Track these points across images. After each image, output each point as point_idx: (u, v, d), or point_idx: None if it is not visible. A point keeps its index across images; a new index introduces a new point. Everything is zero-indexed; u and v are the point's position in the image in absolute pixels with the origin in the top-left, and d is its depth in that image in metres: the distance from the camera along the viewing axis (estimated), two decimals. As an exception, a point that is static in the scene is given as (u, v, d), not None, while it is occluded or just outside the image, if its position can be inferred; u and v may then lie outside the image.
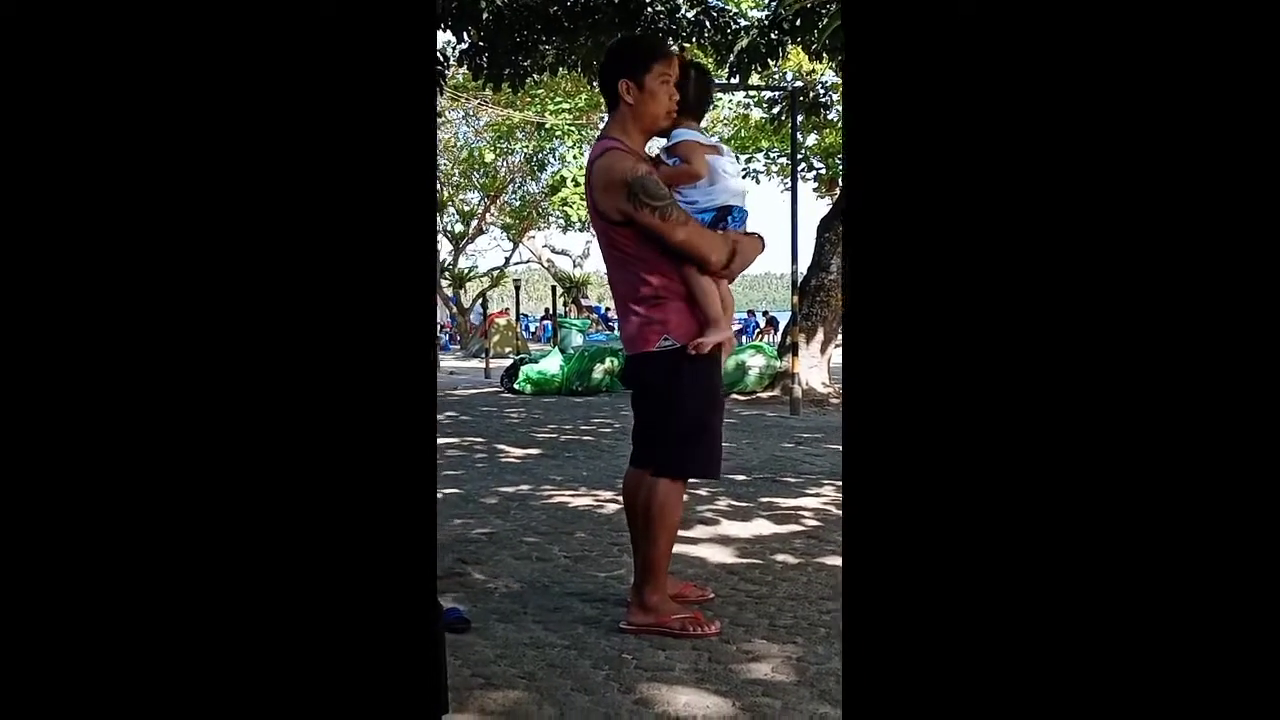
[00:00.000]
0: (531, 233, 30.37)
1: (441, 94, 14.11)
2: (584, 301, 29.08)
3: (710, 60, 12.18)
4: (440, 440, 6.55)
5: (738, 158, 23.11)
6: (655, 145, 2.92)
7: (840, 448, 6.68)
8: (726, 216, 2.80)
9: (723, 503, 4.70)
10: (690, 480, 3.03)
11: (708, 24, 9.76)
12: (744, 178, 22.83)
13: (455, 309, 28.56)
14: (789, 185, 10.77)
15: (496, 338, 20.60)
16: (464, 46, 9.05)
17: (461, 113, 23.43)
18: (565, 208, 25.68)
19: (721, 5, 10.84)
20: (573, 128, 22.55)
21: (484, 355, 16.99)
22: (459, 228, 28.50)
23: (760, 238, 2.89)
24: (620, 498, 4.67)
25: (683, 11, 9.76)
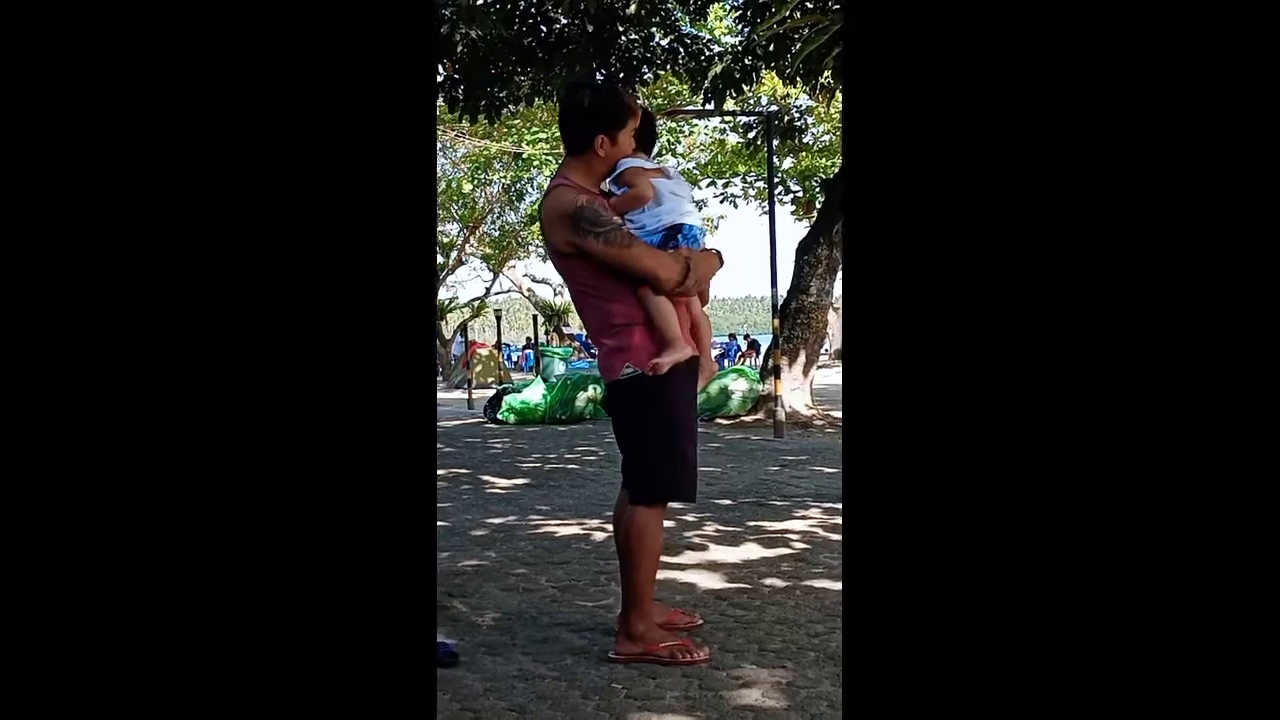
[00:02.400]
0: (511, 262, 30.38)
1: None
2: (565, 330, 29.06)
3: (685, 87, 12.25)
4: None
5: (693, 181, 23.21)
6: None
7: (825, 469, 6.70)
8: (676, 235, 2.82)
9: (710, 528, 4.69)
10: (675, 505, 3.03)
11: (681, 51, 9.84)
12: (721, 202, 22.75)
13: (437, 340, 28.52)
14: (767, 209, 10.83)
15: (479, 368, 20.57)
16: (439, 79, 9.09)
17: (438, 144, 23.47)
18: (545, 237, 25.66)
19: (695, 33, 10.93)
20: (550, 157, 22.61)
21: (466, 386, 16.96)
22: (439, 259, 28.48)
23: (716, 253, 2.91)
24: (607, 526, 4.66)
25: (657, 40, 9.84)
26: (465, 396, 15.95)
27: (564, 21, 9.32)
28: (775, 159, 13.10)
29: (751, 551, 4.17)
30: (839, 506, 5.20)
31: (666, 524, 4.30)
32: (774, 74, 11.23)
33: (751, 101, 17.51)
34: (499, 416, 11.65)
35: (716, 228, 28.31)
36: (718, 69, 9.77)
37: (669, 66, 9.98)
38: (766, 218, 10.75)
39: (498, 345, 22.53)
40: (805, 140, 19.68)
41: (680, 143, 23.58)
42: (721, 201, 24.14)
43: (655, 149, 3.05)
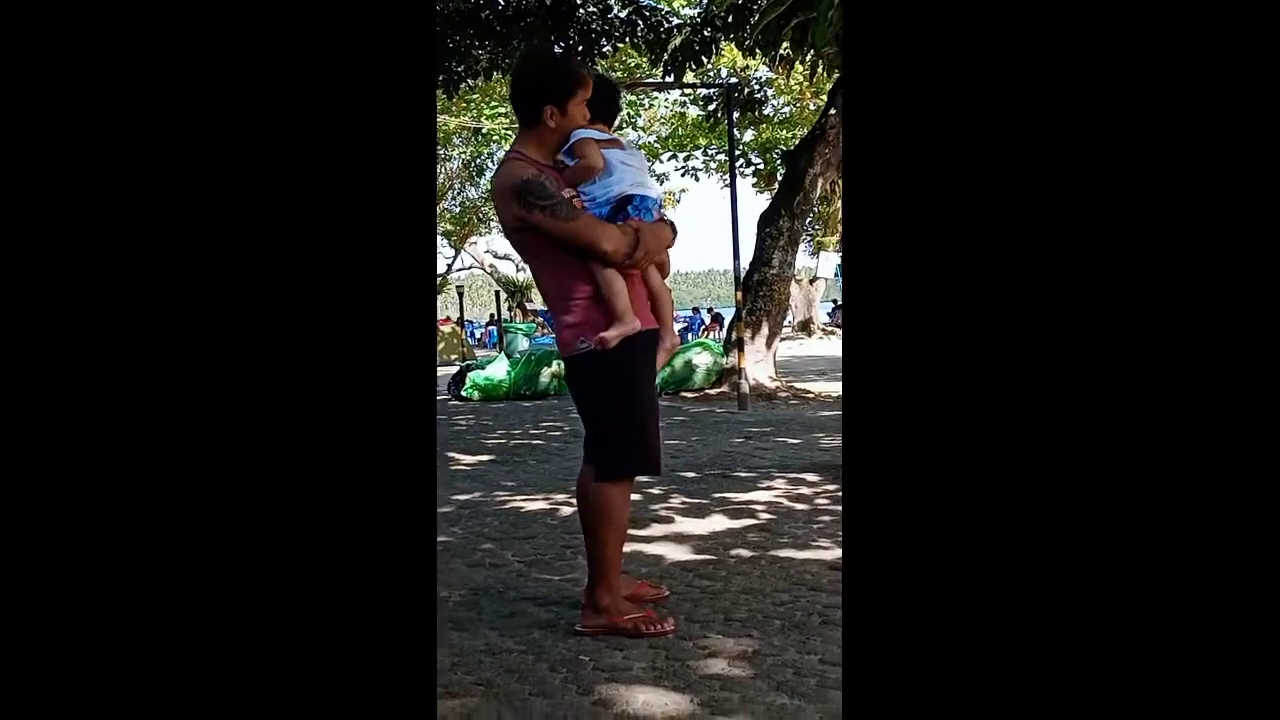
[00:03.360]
0: (473, 239, 30.21)
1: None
2: (529, 306, 28.95)
3: (644, 59, 12.18)
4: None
5: (654, 154, 23.13)
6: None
7: (789, 440, 6.74)
8: (627, 206, 2.80)
9: (676, 500, 4.71)
10: (641, 479, 3.04)
11: (640, 23, 9.77)
12: (683, 175, 22.77)
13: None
14: (728, 181, 10.81)
15: (441, 345, 20.47)
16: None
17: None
18: (506, 212, 25.48)
19: (653, 4, 10.87)
20: (509, 132, 22.46)
21: (430, 364, 16.84)
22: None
23: (669, 225, 2.89)
24: (574, 500, 4.66)
25: (615, 11, 9.77)
26: (429, 374, 15.84)
27: (521, -6, 9.23)
28: (736, 131, 13.08)
29: (717, 523, 4.20)
30: (804, 477, 5.24)
31: (634, 497, 4.31)
32: (733, 45, 11.20)
33: (711, 74, 17.46)
34: (463, 393, 11.60)
35: (678, 201, 28.26)
36: (677, 41, 9.73)
37: (628, 39, 9.91)
38: (728, 190, 10.75)
39: (460, 322, 22.41)
40: (765, 112, 19.69)
41: (640, 116, 23.50)
42: (683, 175, 24.11)
43: (617, 121, 3.03)
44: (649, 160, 22.78)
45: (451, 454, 6.84)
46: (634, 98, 21.71)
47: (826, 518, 4.18)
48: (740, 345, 9.86)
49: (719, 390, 10.62)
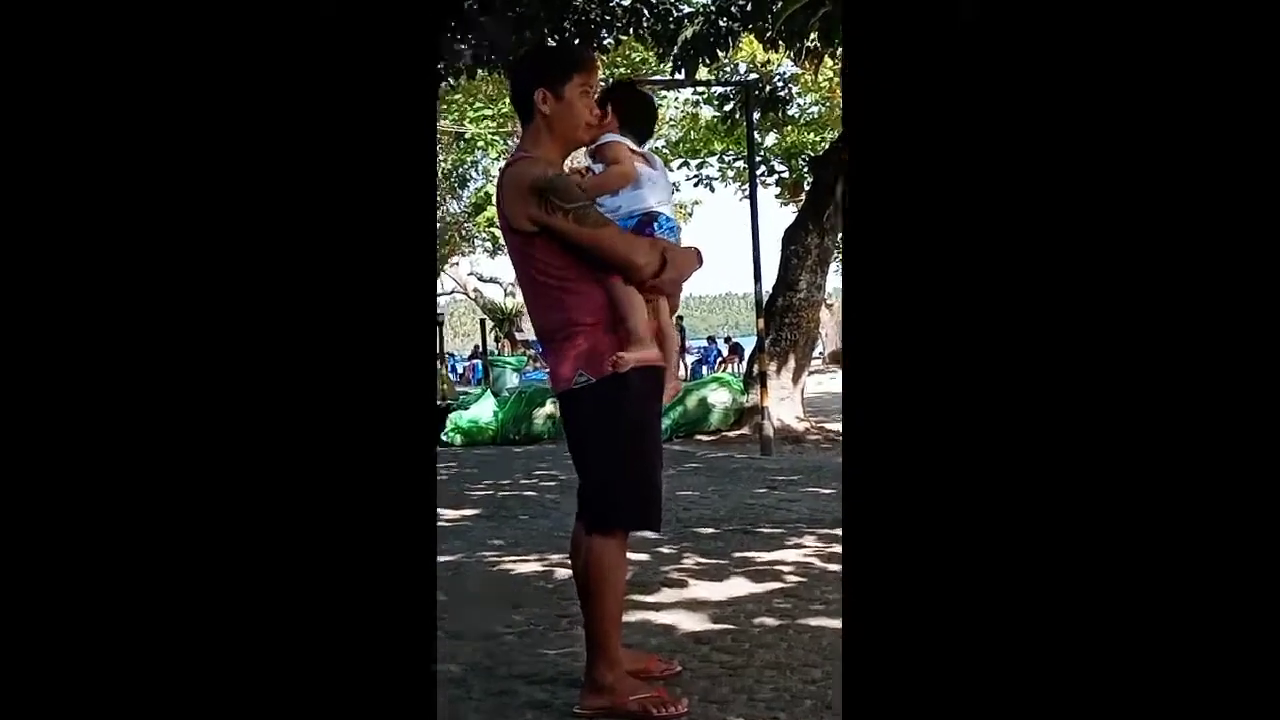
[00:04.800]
0: (455, 259, 30.31)
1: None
2: (518, 336, 28.98)
3: (651, 54, 12.26)
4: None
5: (664, 161, 23.35)
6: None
7: (821, 491, 6.73)
8: (651, 224, 2.83)
9: (690, 560, 4.70)
10: (648, 536, 3.03)
11: (646, 12, 9.82)
12: (696, 185, 22.87)
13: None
14: (748, 192, 10.85)
15: (419, 382, 20.49)
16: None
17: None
18: (493, 229, 25.60)
19: (660, -10, 10.94)
20: (496, 137, 22.61)
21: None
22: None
23: (697, 252, 2.91)
24: (570, 561, 4.66)
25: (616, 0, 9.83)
26: (404, 415, 15.91)
27: (510, -20, 9.31)
28: (756, 134, 13.15)
29: (738, 587, 4.18)
30: (837, 533, 5.23)
31: (640, 557, 4.30)
32: (752, 37, 11.28)
33: (728, 69, 17.56)
34: (444, 438, 11.62)
35: (691, 215, 28.37)
36: (688, 32, 9.79)
37: (632, 30, 9.98)
38: (747, 202, 10.78)
39: (441, 356, 22.46)
40: (790, 113, 19.77)
41: (647, 118, 23.61)
42: (696, 185, 24.11)
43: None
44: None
45: (430, 508, 6.84)
46: (639, 97, 21.83)
47: (864, 580, 4.17)
48: (763, 380, 9.86)
49: (739, 432, 10.62)
